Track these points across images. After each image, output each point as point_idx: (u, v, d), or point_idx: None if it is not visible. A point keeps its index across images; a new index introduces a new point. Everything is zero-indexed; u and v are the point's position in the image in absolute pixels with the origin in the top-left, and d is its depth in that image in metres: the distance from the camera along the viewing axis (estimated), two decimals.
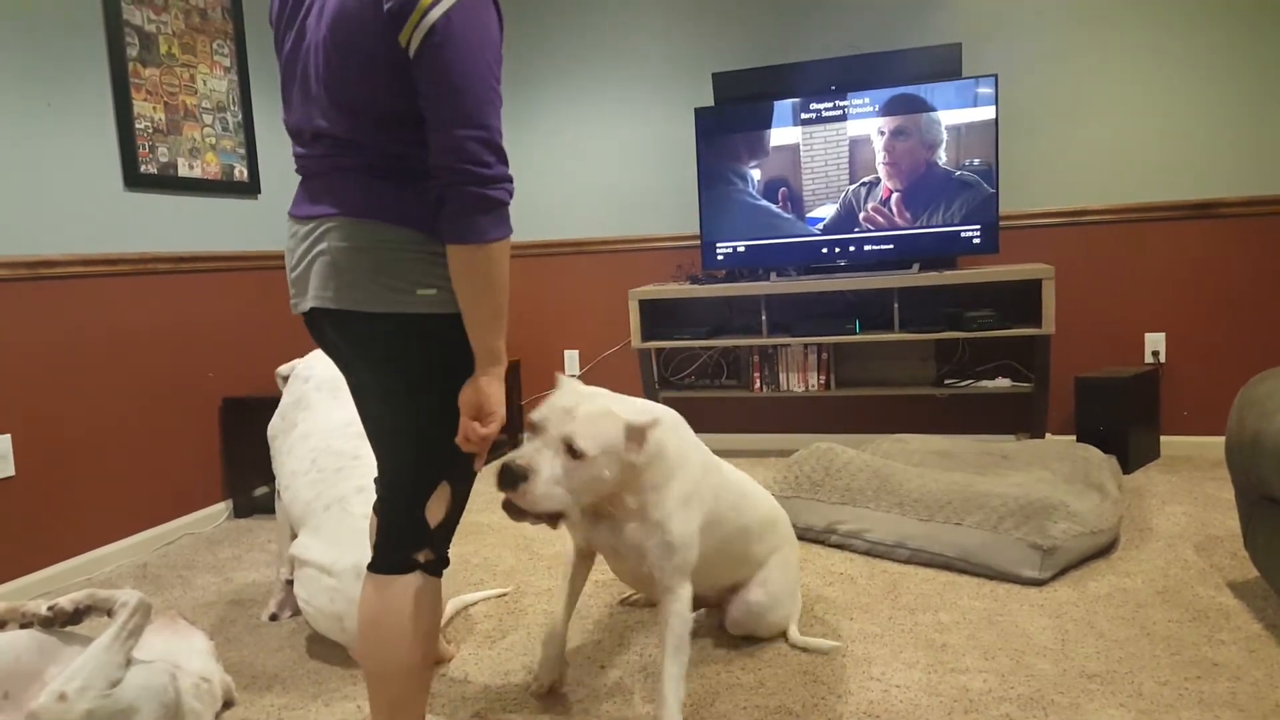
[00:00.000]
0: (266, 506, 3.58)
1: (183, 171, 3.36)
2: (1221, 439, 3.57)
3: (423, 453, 1.47)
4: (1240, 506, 2.25)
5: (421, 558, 1.49)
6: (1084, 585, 2.39)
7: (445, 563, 1.53)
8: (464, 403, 1.43)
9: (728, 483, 1.99)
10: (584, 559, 2.03)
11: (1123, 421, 3.44)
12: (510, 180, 1.36)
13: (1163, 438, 3.71)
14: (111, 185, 3.10)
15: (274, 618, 2.51)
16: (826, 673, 1.99)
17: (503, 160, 1.34)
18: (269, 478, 3.56)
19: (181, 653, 1.94)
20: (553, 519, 1.62)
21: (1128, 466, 3.44)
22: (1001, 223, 3.60)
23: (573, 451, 1.59)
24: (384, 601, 1.48)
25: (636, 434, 1.66)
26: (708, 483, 1.88)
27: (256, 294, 3.72)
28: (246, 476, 3.56)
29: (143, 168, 3.19)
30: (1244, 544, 2.24)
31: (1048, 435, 3.73)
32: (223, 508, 3.53)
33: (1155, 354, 3.70)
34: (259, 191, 3.73)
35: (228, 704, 2.00)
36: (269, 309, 3.77)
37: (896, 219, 3.68)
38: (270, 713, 1.98)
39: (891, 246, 3.69)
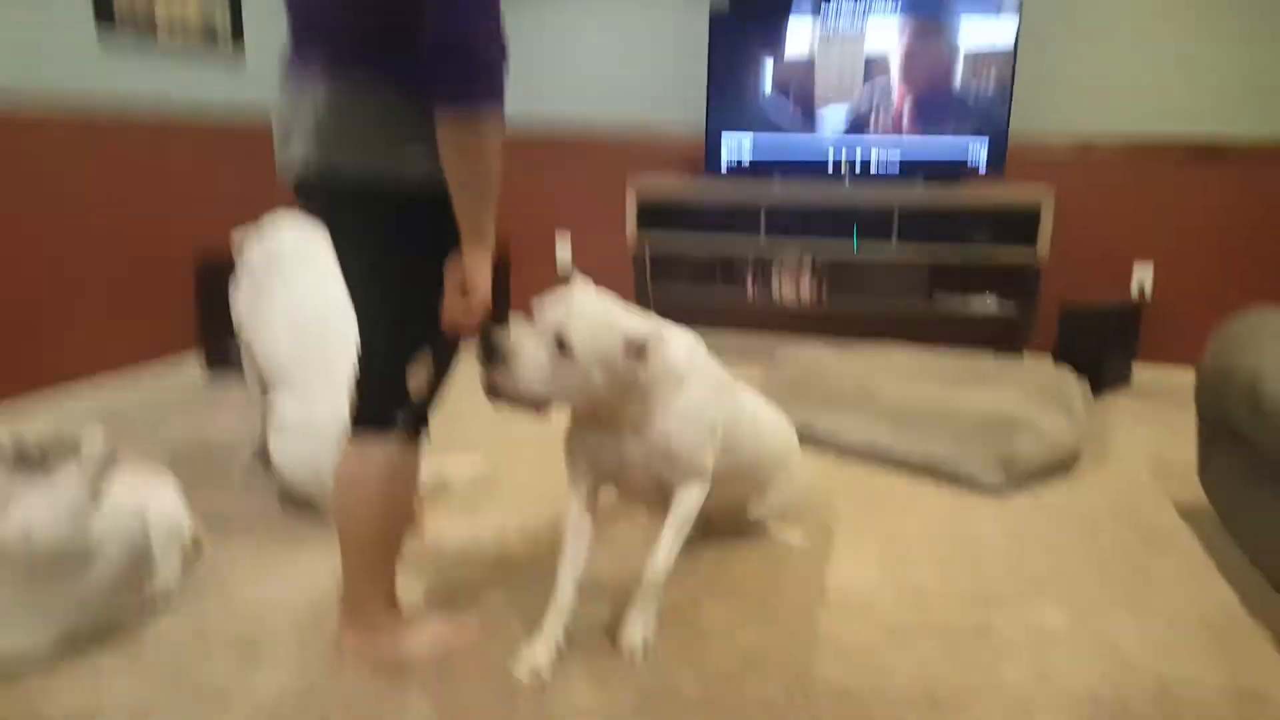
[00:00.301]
0: (239, 363, 3.59)
1: (162, 26, 3.25)
2: (1191, 371, 3.65)
3: (402, 318, 1.49)
4: (1200, 436, 2.34)
5: (400, 416, 1.51)
6: (1040, 497, 2.50)
7: (424, 425, 1.55)
8: (448, 279, 1.44)
9: (743, 408, 1.94)
10: (585, 515, 1.81)
11: (1100, 349, 3.51)
12: (505, 46, 1.33)
13: (1136, 365, 3.79)
14: (84, 30, 3.03)
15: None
16: (790, 564, 2.09)
17: (497, 23, 1.31)
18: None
19: (149, 496, 1.90)
20: (535, 406, 1.58)
21: (1099, 390, 3.52)
22: (1009, 141, 3.58)
23: (561, 346, 1.54)
24: (361, 464, 1.52)
25: (634, 348, 1.59)
26: (720, 402, 1.82)
27: (237, 153, 3.65)
28: (220, 330, 3.55)
29: (119, 23, 3.09)
30: (1198, 472, 2.33)
31: (1026, 356, 3.80)
32: (196, 359, 3.57)
33: (1141, 286, 3.74)
34: (243, 50, 3.63)
35: (196, 548, 2.00)
36: (247, 169, 3.71)
37: (907, 128, 3.65)
38: (240, 559, 2.03)
39: (899, 157, 3.66)
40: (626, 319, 1.64)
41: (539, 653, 1.65)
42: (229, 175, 3.60)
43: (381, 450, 1.52)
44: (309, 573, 1.98)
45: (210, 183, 3.53)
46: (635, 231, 3.94)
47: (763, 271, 3.98)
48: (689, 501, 1.75)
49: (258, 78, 3.67)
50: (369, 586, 1.62)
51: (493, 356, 1.54)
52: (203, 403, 3.22)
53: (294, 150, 1.45)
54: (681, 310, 4.33)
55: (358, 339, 1.57)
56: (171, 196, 3.39)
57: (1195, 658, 1.71)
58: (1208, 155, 3.57)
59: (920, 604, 1.90)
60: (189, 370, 3.48)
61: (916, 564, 2.08)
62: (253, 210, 3.68)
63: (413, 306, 1.49)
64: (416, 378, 1.51)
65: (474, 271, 1.43)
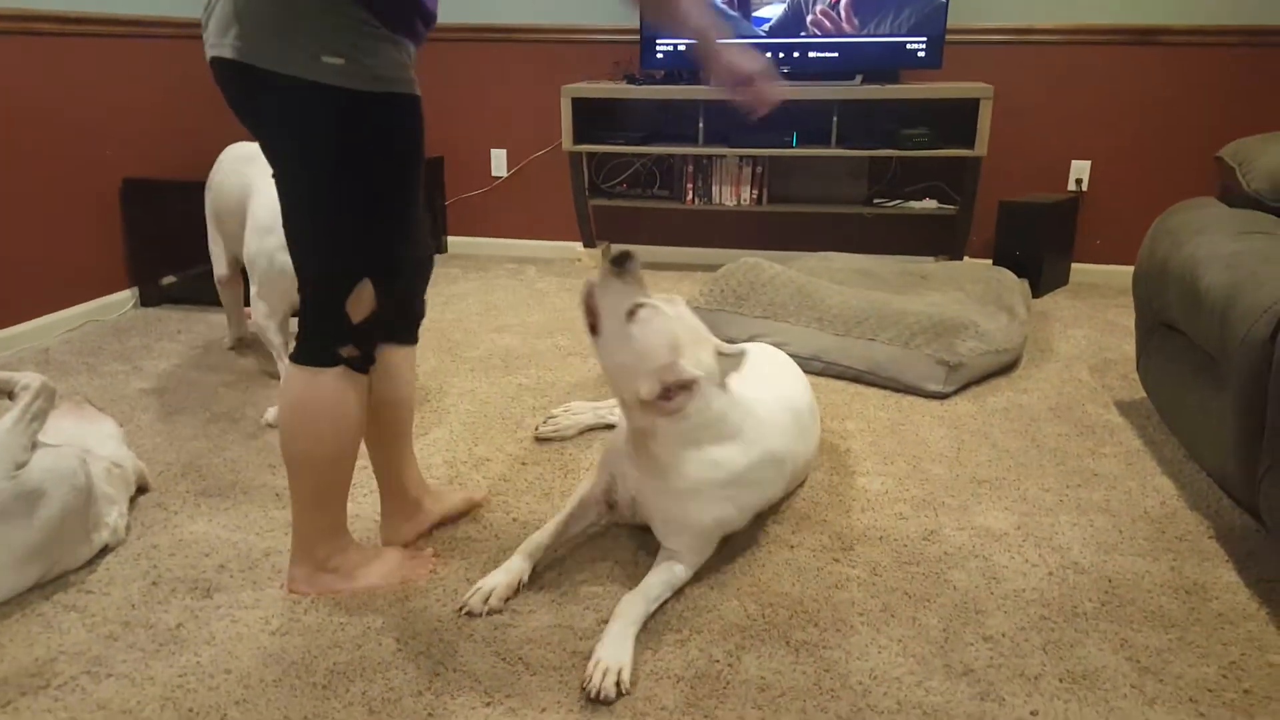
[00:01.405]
0: (175, 296, 3.46)
1: None
2: (1128, 269, 3.69)
3: (330, 242, 1.39)
4: (1139, 332, 2.35)
5: (345, 353, 1.43)
6: (983, 400, 2.51)
7: (370, 359, 1.48)
8: (725, 81, 1.43)
9: (786, 466, 1.78)
10: (589, 507, 1.75)
11: (1039, 247, 3.52)
12: None
13: (1074, 265, 3.82)
14: None
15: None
16: None
17: None
18: (176, 266, 3.43)
19: (90, 437, 1.90)
20: (594, 326, 1.54)
21: (1038, 291, 3.55)
22: (947, 36, 3.50)
23: (631, 317, 1.49)
24: (308, 392, 1.45)
25: (666, 383, 1.48)
26: (761, 475, 1.68)
27: (155, 65, 3.42)
28: (153, 264, 3.41)
29: None
30: (1136, 367, 2.36)
31: (966, 258, 3.81)
32: (128, 295, 3.40)
33: (1079, 181, 3.75)
34: None
35: (142, 489, 2.00)
36: (169, 83, 3.49)
37: (844, 25, 3.54)
38: (186, 499, 1.98)
39: (837, 55, 3.56)
40: (696, 348, 1.52)
41: (494, 579, 1.59)
42: (146, 86, 3.35)
43: (327, 377, 1.44)
44: (259, 508, 1.93)
45: (126, 95, 3.28)
46: (571, 139, 3.80)
47: (702, 177, 3.89)
48: (675, 576, 1.59)
49: None
50: (316, 519, 1.56)
51: (627, 264, 1.50)
52: (138, 342, 3.07)
53: (210, 34, 1.32)
54: (622, 222, 4.24)
55: (302, 272, 1.46)
56: (84, 114, 3.13)
57: (1139, 553, 1.74)
58: (1142, 39, 3.54)
59: (867, 511, 1.90)
60: (122, 306, 3.30)
61: (863, 472, 2.08)
62: (178, 125, 3.45)
63: (340, 230, 1.37)
64: (357, 307, 1.40)
65: (735, 61, 1.46)
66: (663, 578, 1.57)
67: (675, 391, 1.50)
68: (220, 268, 2.78)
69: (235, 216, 2.54)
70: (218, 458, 2.17)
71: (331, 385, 1.44)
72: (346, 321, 1.42)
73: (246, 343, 2.95)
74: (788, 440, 1.76)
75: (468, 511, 1.89)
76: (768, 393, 1.78)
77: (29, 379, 1.64)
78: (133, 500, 1.94)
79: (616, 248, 1.55)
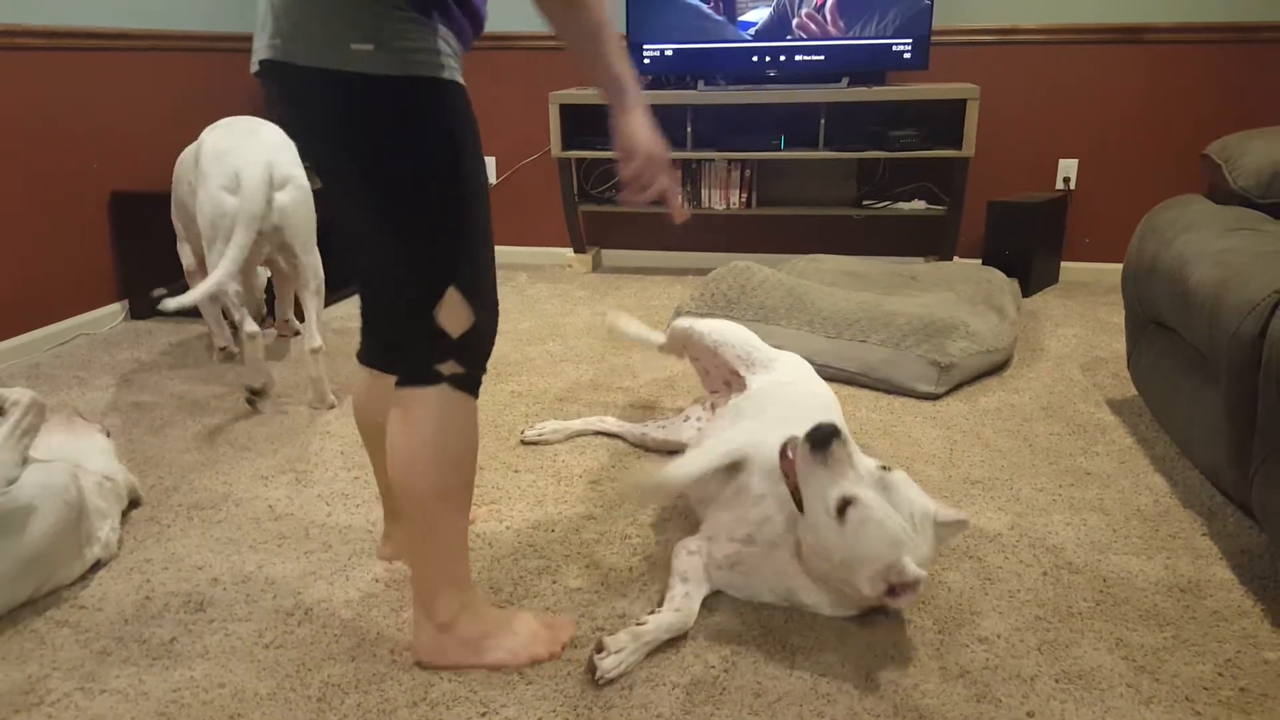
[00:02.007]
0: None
1: None
2: (1117, 266, 3.70)
3: (402, 251, 1.25)
4: (1128, 329, 2.36)
5: (445, 370, 1.28)
6: (975, 400, 2.52)
7: (476, 381, 1.32)
8: (618, 149, 1.28)
9: None
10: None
11: (1028, 246, 3.53)
12: None
13: (1063, 264, 3.83)
14: None
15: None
16: None
17: None
18: (166, 279, 3.41)
19: (82, 451, 1.89)
20: (797, 501, 1.44)
21: (1028, 290, 3.56)
22: (933, 37, 3.51)
23: (841, 514, 1.37)
24: (407, 416, 1.30)
25: (891, 583, 1.38)
26: None
27: (139, 77, 3.41)
28: (143, 276, 3.40)
29: None
30: (1127, 365, 2.37)
31: (956, 258, 3.82)
32: (118, 308, 3.39)
33: (1066, 180, 3.76)
34: None
35: (134, 503, 1.99)
36: (158, 95, 3.48)
37: (830, 27, 3.55)
38: (179, 511, 1.97)
39: (822, 57, 3.57)
40: (918, 538, 1.39)
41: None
42: (133, 99, 3.33)
43: (426, 398, 1.29)
44: (251, 521, 1.92)
45: (112, 108, 3.27)
46: (559, 146, 3.80)
47: (691, 181, 3.89)
48: (703, 590, 1.59)
49: None
50: (431, 568, 1.38)
51: (827, 447, 1.37)
52: (128, 355, 3.06)
53: (258, 39, 1.23)
54: (611, 228, 4.24)
55: (366, 283, 1.40)
56: (71, 128, 3.12)
57: (1133, 552, 1.74)
58: (1127, 38, 3.56)
59: None
60: (112, 319, 3.28)
61: None
62: (164, 138, 3.45)
63: (411, 236, 1.24)
64: (451, 319, 1.26)
65: (629, 134, 1.25)
66: (694, 594, 1.58)
67: (901, 590, 1.39)
68: (187, 259, 2.82)
69: (190, 191, 2.56)
70: (209, 470, 2.16)
71: (435, 406, 1.29)
72: (442, 333, 1.27)
73: (232, 354, 2.94)
74: None
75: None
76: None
77: (18, 394, 1.63)
78: (125, 514, 1.93)
79: (819, 427, 1.40)
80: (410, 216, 1.24)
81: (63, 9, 3.07)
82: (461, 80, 1.25)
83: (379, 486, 1.70)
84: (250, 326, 2.48)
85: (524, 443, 2.27)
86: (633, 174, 1.29)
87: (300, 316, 3.11)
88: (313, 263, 2.47)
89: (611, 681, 1.39)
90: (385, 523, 1.74)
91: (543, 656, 1.44)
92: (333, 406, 2.53)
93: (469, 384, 1.31)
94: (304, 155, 1.32)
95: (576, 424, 2.31)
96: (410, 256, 1.26)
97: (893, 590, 1.39)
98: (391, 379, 1.37)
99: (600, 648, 1.41)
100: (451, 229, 1.25)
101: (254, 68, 1.27)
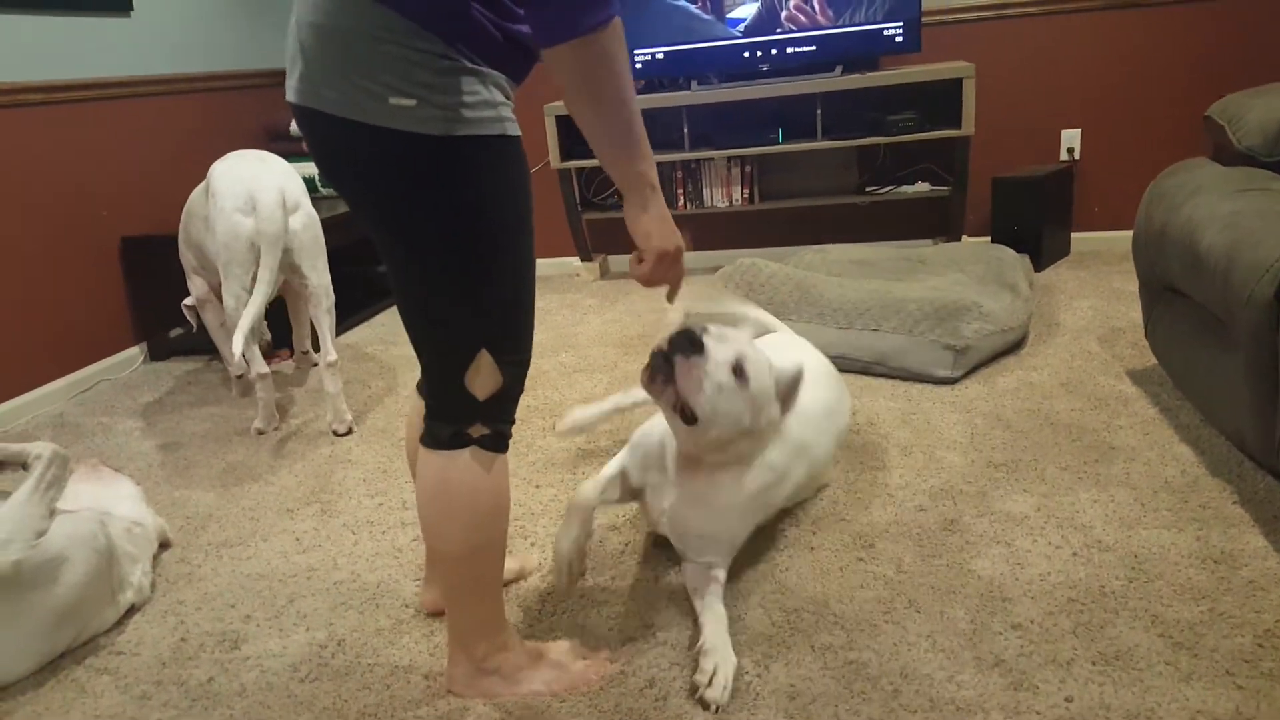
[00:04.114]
0: (183, 348, 3.48)
1: None
2: (1129, 234, 3.67)
3: (435, 315, 1.21)
4: (1143, 298, 2.34)
5: (474, 433, 1.26)
6: (993, 381, 2.50)
7: (505, 437, 1.30)
8: (637, 235, 1.26)
9: (814, 459, 1.80)
10: (618, 482, 1.71)
11: (1036, 220, 3.50)
12: None
13: (1074, 234, 3.80)
14: None
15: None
16: None
17: None
18: (182, 318, 3.44)
19: (109, 499, 1.92)
20: (685, 413, 1.47)
21: (1040, 264, 3.53)
22: (924, 19, 3.49)
23: (738, 374, 1.46)
24: (440, 477, 1.28)
25: (787, 389, 1.55)
26: (793, 471, 1.71)
27: (141, 123, 3.45)
28: (158, 318, 3.44)
29: None
30: (1145, 334, 2.35)
31: (964, 238, 3.79)
32: (137, 352, 3.42)
33: (1070, 151, 3.73)
34: (130, 8, 3.38)
35: (164, 545, 2.01)
36: (158, 139, 3.51)
37: (819, 17, 3.53)
38: (209, 551, 1.99)
39: (814, 48, 3.56)
40: (773, 354, 1.58)
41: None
42: (136, 145, 3.37)
43: (458, 460, 1.27)
44: (279, 555, 1.93)
45: (116, 156, 3.30)
46: (558, 157, 3.80)
47: (692, 181, 3.89)
48: (721, 584, 1.59)
49: (150, 42, 3.41)
50: (468, 612, 1.38)
51: (685, 347, 1.43)
52: (150, 398, 3.09)
53: (290, 74, 1.18)
54: (615, 235, 4.24)
55: (414, 343, 1.39)
56: (78, 179, 3.16)
57: (1163, 526, 1.72)
58: (1121, 3, 3.52)
59: (887, 506, 1.89)
60: (132, 363, 3.32)
61: (878, 466, 2.07)
62: (169, 181, 3.48)
63: (443, 300, 1.19)
64: (480, 383, 1.24)
65: (643, 233, 1.24)
66: (716, 592, 1.57)
67: (790, 397, 1.57)
68: (199, 289, 2.82)
69: (204, 225, 2.58)
70: (235, 507, 2.18)
71: (464, 469, 1.27)
72: (470, 398, 1.24)
73: (251, 383, 2.96)
74: (812, 432, 1.78)
75: (514, 581, 1.76)
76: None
77: (40, 449, 1.66)
78: (155, 557, 1.95)
79: (680, 334, 1.46)
80: (445, 282, 1.18)
81: (60, 64, 3.11)
82: (514, 129, 1.19)
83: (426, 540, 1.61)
84: (260, 368, 2.52)
85: (561, 433, 2.23)
86: (646, 275, 1.28)
87: (316, 346, 3.13)
88: (324, 283, 2.54)
89: (727, 697, 1.37)
90: (428, 569, 1.67)
91: (578, 689, 1.43)
92: (350, 430, 2.55)
93: (498, 442, 1.29)
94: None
95: (608, 404, 2.22)
96: (443, 321, 1.22)
97: (790, 396, 1.57)
98: None
99: (694, 687, 1.39)
100: (489, 294, 1.20)
101: (287, 96, 1.22)
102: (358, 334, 3.57)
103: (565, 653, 1.48)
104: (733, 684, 1.39)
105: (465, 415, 1.26)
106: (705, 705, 1.36)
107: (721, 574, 1.61)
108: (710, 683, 1.37)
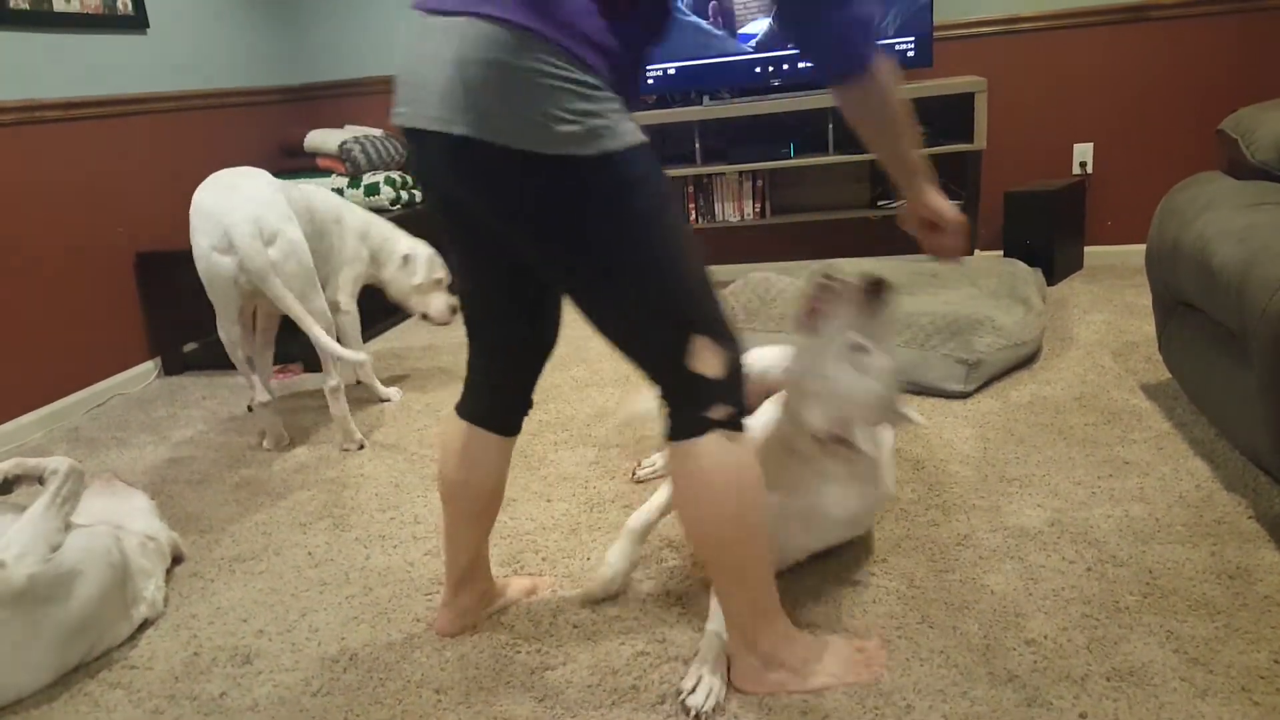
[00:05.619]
0: (197, 363, 3.51)
1: (58, 6, 3.06)
2: (1143, 247, 3.65)
3: (644, 319, 1.25)
4: (1157, 312, 2.33)
5: (716, 415, 1.28)
6: (1006, 395, 2.49)
7: (744, 413, 1.31)
8: (912, 225, 1.48)
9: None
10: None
11: (1049, 234, 3.50)
12: None
13: (1086, 249, 3.79)
14: None
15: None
16: None
17: None
18: (196, 333, 3.47)
19: (123, 513, 1.93)
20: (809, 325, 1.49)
21: (1052, 278, 3.52)
22: (935, 34, 3.50)
23: (861, 351, 1.45)
24: (687, 465, 1.30)
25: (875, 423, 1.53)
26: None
27: (156, 139, 3.49)
28: (172, 333, 3.47)
29: (12, 2, 2.89)
30: (1159, 348, 2.33)
31: (977, 252, 3.79)
32: (151, 366, 3.45)
33: (1083, 165, 3.72)
34: (146, 26, 3.43)
35: (177, 560, 2.02)
36: (173, 155, 3.55)
37: None
38: (222, 565, 2.00)
39: None
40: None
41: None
42: (149, 161, 3.41)
43: (704, 446, 1.28)
44: (292, 569, 1.94)
45: (131, 173, 3.34)
46: None
47: (704, 196, 3.90)
48: None
49: (165, 59, 3.46)
50: (747, 604, 1.38)
51: (881, 292, 1.46)
52: (164, 412, 3.11)
53: (423, 103, 1.20)
54: None
55: (491, 346, 1.46)
56: (93, 195, 3.19)
57: (1178, 541, 1.71)
58: (1132, 17, 3.52)
59: (900, 521, 1.88)
60: (146, 377, 3.34)
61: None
62: (182, 196, 3.52)
63: (641, 300, 1.24)
64: (707, 364, 1.26)
65: (938, 204, 1.44)
66: None
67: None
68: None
69: None
70: (248, 521, 2.19)
71: (712, 453, 1.29)
72: (704, 381, 1.27)
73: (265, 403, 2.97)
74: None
75: (526, 597, 1.76)
76: None
77: (56, 463, 1.67)
78: (169, 571, 1.96)
79: (871, 274, 1.47)
80: (635, 286, 1.23)
81: (77, 81, 3.15)
82: (644, 135, 1.25)
83: (448, 547, 1.60)
84: (262, 395, 2.54)
85: (637, 481, 2.19)
86: (955, 244, 1.47)
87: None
88: (316, 306, 2.46)
89: (710, 707, 1.37)
90: (445, 591, 1.65)
91: (865, 678, 1.42)
92: (362, 446, 2.56)
93: (739, 423, 1.31)
94: (493, 228, 1.28)
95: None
96: (645, 322, 1.26)
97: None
98: (489, 436, 1.48)
99: (679, 691, 1.41)
100: (674, 285, 1.24)
101: (406, 121, 1.24)
102: (370, 348, 3.59)
103: (842, 645, 1.48)
104: (718, 694, 1.39)
105: (705, 398, 1.28)
106: (686, 711, 1.37)
107: None
108: (695, 689, 1.38)
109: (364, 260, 2.87)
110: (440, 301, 2.94)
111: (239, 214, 2.31)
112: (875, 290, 1.44)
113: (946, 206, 1.45)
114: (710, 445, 1.28)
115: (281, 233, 2.38)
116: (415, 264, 2.88)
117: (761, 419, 1.66)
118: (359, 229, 2.85)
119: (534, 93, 1.13)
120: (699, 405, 1.28)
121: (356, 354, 2.41)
